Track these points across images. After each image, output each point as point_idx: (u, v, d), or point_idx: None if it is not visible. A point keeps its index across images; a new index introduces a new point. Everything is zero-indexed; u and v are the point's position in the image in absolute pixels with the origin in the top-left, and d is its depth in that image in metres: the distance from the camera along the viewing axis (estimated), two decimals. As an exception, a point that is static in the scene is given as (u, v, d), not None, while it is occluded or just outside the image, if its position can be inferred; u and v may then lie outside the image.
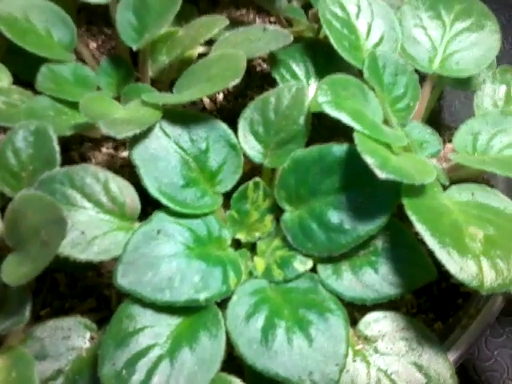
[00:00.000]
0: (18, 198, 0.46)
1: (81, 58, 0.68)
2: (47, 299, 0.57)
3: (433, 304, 0.59)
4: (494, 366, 0.77)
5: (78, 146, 0.66)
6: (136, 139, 0.51)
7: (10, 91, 0.58)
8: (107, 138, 0.66)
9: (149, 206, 0.51)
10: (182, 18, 0.66)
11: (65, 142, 0.52)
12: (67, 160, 0.51)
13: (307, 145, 0.53)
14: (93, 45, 0.76)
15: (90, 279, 0.58)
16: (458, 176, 0.58)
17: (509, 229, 0.48)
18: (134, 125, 0.50)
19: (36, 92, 0.59)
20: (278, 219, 0.53)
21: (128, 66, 0.67)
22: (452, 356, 0.52)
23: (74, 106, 0.59)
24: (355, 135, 0.48)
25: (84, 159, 0.65)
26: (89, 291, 0.57)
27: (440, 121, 0.74)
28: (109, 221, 0.49)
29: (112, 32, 0.76)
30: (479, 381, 0.76)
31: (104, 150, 0.66)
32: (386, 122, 0.56)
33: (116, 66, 0.67)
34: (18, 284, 0.43)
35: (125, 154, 0.66)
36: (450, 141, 0.65)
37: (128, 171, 0.61)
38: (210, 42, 0.62)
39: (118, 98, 0.63)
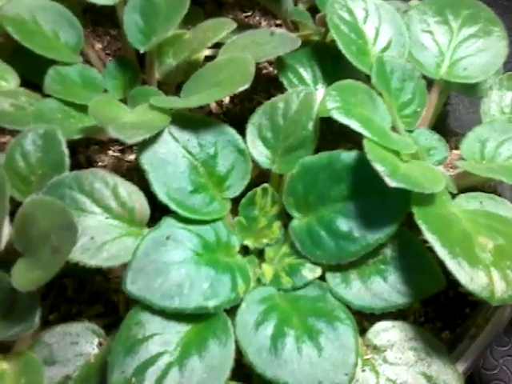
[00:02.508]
0: (28, 203, 0.46)
1: (87, 60, 0.67)
2: (55, 304, 0.57)
3: (440, 313, 0.59)
4: (499, 375, 0.77)
5: (84, 149, 0.66)
6: (145, 144, 0.51)
7: (17, 93, 0.58)
8: (114, 141, 0.66)
9: (156, 210, 0.51)
10: (188, 20, 0.66)
11: (71, 145, 0.52)
12: (74, 163, 0.51)
13: (316, 150, 0.53)
14: (98, 46, 0.76)
15: (97, 284, 0.58)
16: (465, 183, 0.58)
17: (518, 239, 0.48)
18: (144, 129, 0.50)
19: (43, 94, 0.59)
20: (286, 226, 0.53)
21: (135, 68, 0.67)
22: (461, 367, 0.52)
23: (81, 108, 0.59)
24: (365, 142, 0.48)
25: (90, 162, 0.65)
26: (96, 296, 0.57)
27: (445, 126, 0.74)
28: (118, 226, 0.49)
29: (118, 33, 0.76)
30: (484, 389, 0.77)
31: (110, 152, 0.66)
32: (394, 128, 0.56)
33: (123, 68, 0.67)
34: (28, 290, 0.43)
35: (131, 157, 0.66)
36: (456, 147, 0.65)
37: (135, 175, 0.61)
38: (216, 45, 0.62)
39: (124, 100, 0.63)
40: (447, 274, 0.45)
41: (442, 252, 0.44)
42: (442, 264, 0.45)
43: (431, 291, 0.50)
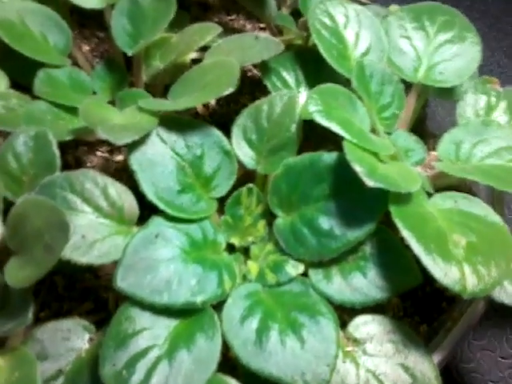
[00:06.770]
0: (21, 203, 0.48)
1: (75, 62, 0.68)
2: (46, 301, 0.58)
3: (418, 308, 0.61)
4: (476, 368, 0.80)
5: (73, 150, 0.67)
6: (133, 145, 0.52)
7: (8, 95, 0.59)
8: (102, 142, 0.67)
9: (145, 210, 0.52)
10: (174, 24, 0.68)
11: (60, 146, 0.53)
12: (63, 163, 0.52)
13: (299, 151, 0.55)
14: (86, 48, 0.77)
15: (87, 282, 0.59)
16: (442, 183, 0.60)
17: (489, 236, 0.50)
18: (133, 131, 0.51)
19: (33, 96, 0.60)
20: (270, 224, 0.55)
21: (122, 70, 0.69)
22: (437, 358, 0.54)
23: (70, 110, 0.60)
24: (344, 144, 0.50)
25: (79, 163, 0.66)
26: (86, 293, 0.59)
27: (424, 129, 0.76)
28: (108, 225, 0.50)
29: (105, 35, 0.77)
30: (462, 382, 0.79)
31: (99, 153, 0.67)
32: (373, 130, 0.58)
33: (110, 70, 0.68)
34: (21, 286, 0.44)
35: (119, 157, 0.67)
36: (434, 148, 0.67)
37: (124, 175, 0.62)
38: (202, 48, 0.64)
39: (112, 102, 0.64)
40: (424, 270, 0.47)
41: (417, 248, 0.46)
42: (418, 261, 0.47)
43: (408, 286, 0.51)
